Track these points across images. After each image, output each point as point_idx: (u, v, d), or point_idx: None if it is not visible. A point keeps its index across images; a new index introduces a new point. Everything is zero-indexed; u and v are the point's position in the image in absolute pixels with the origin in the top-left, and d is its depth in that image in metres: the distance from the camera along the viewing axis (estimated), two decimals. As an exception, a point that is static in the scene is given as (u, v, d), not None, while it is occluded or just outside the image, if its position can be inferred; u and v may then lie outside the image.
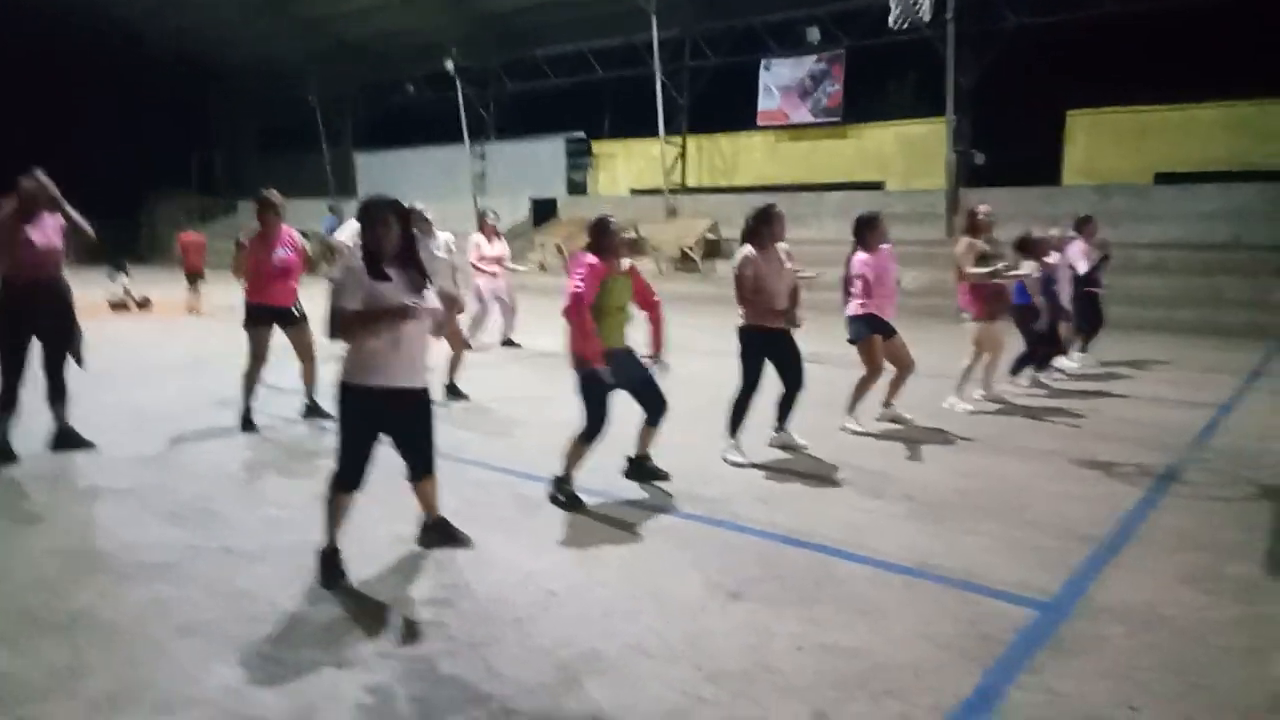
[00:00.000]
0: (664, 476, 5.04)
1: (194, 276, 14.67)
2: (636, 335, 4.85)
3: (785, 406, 5.77)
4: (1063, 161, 18.09)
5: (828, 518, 4.46)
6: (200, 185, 32.86)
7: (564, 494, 4.65)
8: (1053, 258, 8.10)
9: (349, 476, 3.59)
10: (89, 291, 16.69)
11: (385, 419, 3.60)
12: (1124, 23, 16.48)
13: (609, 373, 4.48)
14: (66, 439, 5.49)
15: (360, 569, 3.68)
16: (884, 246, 6.27)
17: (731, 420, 5.55)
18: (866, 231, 6.24)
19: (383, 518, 4.21)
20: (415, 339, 3.57)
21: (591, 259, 4.55)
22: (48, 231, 5.21)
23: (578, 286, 4.46)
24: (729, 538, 4.19)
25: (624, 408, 4.83)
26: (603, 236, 4.62)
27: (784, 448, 5.78)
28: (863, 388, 6.36)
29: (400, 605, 3.39)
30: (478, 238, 10.20)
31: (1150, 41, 16.96)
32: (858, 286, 6.18)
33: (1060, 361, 8.89)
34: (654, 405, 4.88)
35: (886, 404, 6.60)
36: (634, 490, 4.89)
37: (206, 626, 3.15)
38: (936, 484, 5.08)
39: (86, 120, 28.38)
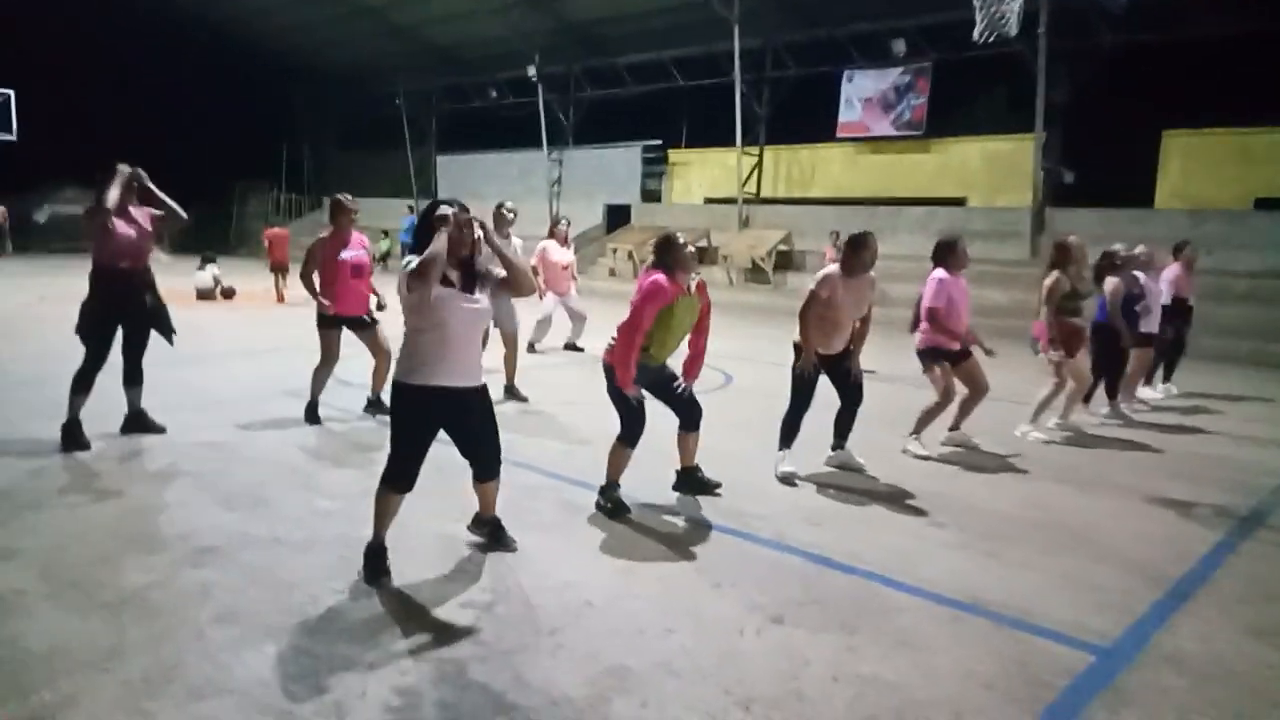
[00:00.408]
0: (715, 487, 4.96)
1: (279, 268, 15.61)
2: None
3: (843, 424, 5.63)
4: (1156, 183, 17.32)
5: (877, 542, 4.33)
6: (287, 180, 34.02)
7: (610, 500, 4.62)
8: (1141, 277, 7.77)
9: (399, 476, 3.61)
10: (179, 281, 17.47)
11: (440, 419, 3.61)
12: (1224, 43, 15.71)
13: (638, 395, 4.48)
14: (139, 422, 5.69)
15: (402, 566, 3.71)
16: (961, 273, 6.08)
17: (783, 436, 5.44)
18: (948, 254, 6.05)
19: (431, 514, 4.25)
20: (468, 338, 3.58)
21: (661, 278, 4.44)
22: (136, 223, 5.42)
23: (638, 311, 4.39)
24: (773, 557, 4.09)
25: (669, 419, 4.79)
26: (669, 252, 4.50)
27: (842, 467, 5.64)
28: (932, 413, 6.15)
29: (438, 606, 3.40)
30: (548, 243, 10.24)
31: (1252, 62, 16.12)
32: (927, 316, 5.98)
33: (1143, 392, 8.51)
34: (686, 410, 4.80)
35: (954, 427, 6.39)
36: (681, 503, 4.83)
37: (246, 615, 3.22)
38: (995, 514, 4.88)
39: (179, 114, 29.69)
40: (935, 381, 6.12)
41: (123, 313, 5.42)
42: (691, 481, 4.98)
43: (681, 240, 4.54)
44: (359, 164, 33.48)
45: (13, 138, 23.41)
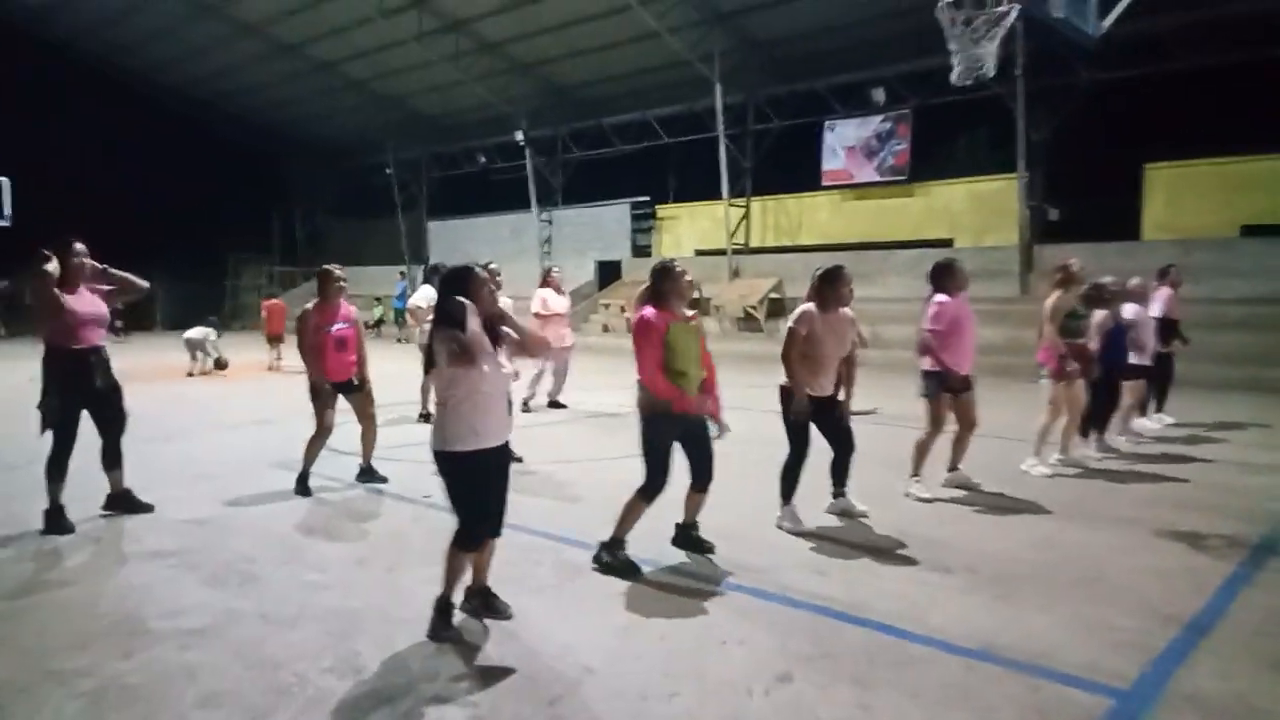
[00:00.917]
0: (709, 549, 4.76)
1: (275, 339, 16.19)
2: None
3: (839, 471, 5.52)
4: (1142, 216, 17.48)
5: (885, 591, 4.21)
6: (280, 251, 34.27)
7: (617, 560, 4.44)
8: (1130, 310, 7.76)
9: (471, 539, 3.66)
10: (166, 356, 17.43)
11: (489, 474, 3.67)
12: (1200, 75, 16.01)
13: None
14: (125, 502, 5.56)
15: (394, 635, 3.60)
16: (963, 294, 6.03)
17: (783, 487, 5.34)
18: (945, 276, 6.01)
19: (423, 580, 4.13)
20: (499, 397, 3.65)
21: (648, 313, 4.35)
22: (88, 301, 5.26)
23: (639, 353, 4.33)
24: (778, 611, 3.97)
25: (679, 470, 4.70)
26: (664, 280, 4.41)
27: (843, 514, 5.52)
28: (924, 447, 6.09)
29: (430, 680, 3.27)
30: (544, 292, 10.21)
31: (1229, 93, 16.44)
32: (931, 340, 5.91)
33: (1139, 423, 8.45)
34: (701, 470, 4.62)
35: (952, 468, 6.30)
36: (680, 557, 4.70)
37: (230, 697, 3.09)
38: (1003, 555, 4.77)
39: (172, 190, 30.03)
40: (928, 409, 6.05)
41: (81, 394, 5.20)
42: (688, 539, 4.82)
43: (678, 269, 4.45)
44: (351, 232, 33.81)
45: (7, 223, 23.60)
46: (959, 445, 6.26)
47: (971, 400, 6.10)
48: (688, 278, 4.48)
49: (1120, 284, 7.57)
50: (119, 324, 22.71)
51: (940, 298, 5.97)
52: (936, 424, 6.05)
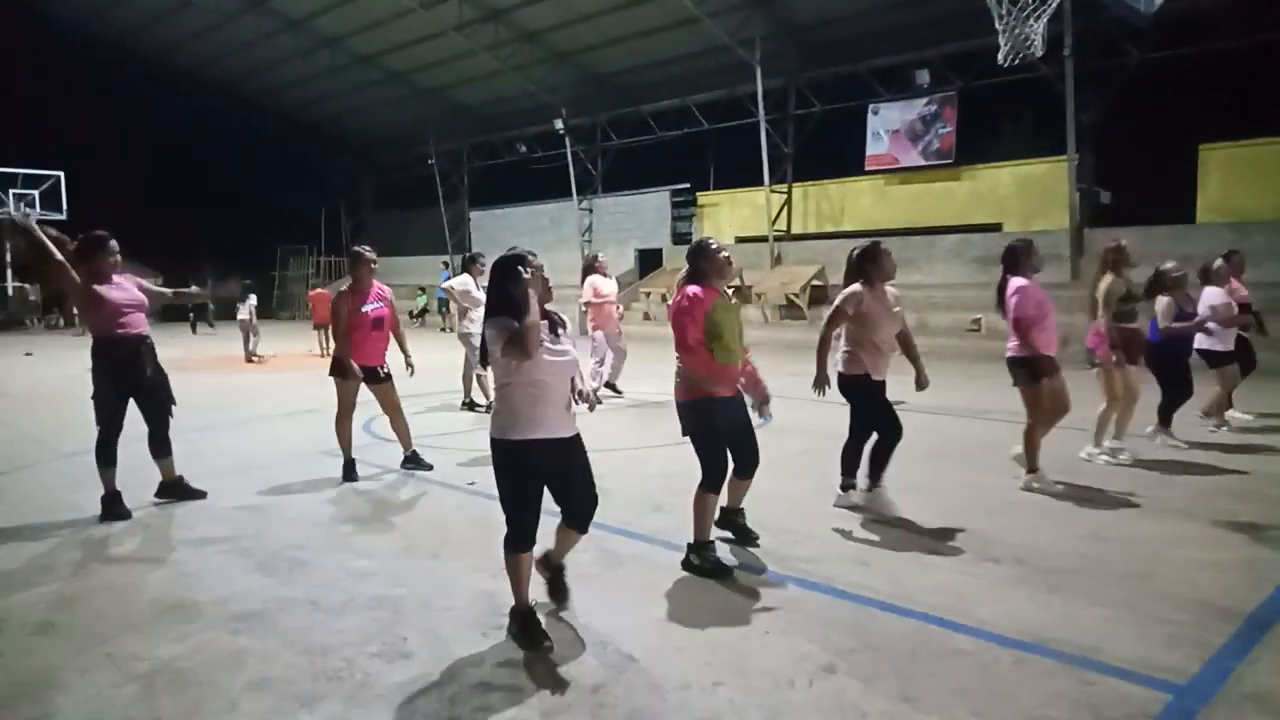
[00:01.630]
0: (753, 539, 4.72)
1: (321, 325, 16.85)
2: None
3: (880, 459, 5.37)
4: (1196, 198, 16.95)
5: (930, 582, 4.14)
6: (325, 242, 34.83)
7: (708, 560, 4.30)
8: (1212, 295, 7.62)
9: (520, 538, 3.50)
10: (219, 346, 17.77)
11: (542, 471, 3.51)
12: (1254, 52, 15.45)
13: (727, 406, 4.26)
14: (177, 490, 5.69)
15: (438, 625, 3.63)
16: (1036, 276, 5.86)
17: (845, 465, 5.28)
18: (1022, 258, 5.83)
19: (467, 570, 4.19)
20: (560, 388, 3.51)
21: (693, 289, 4.26)
22: (126, 288, 5.39)
23: (678, 326, 4.25)
24: (822, 601, 3.93)
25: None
26: (702, 258, 4.31)
27: (874, 507, 5.33)
28: (1033, 437, 5.85)
29: (476, 666, 3.30)
30: (594, 279, 10.22)
31: (1285, 69, 15.85)
32: (1016, 328, 5.72)
33: (1232, 414, 8.20)
34: (747, 457, 4.53)
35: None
36: (722, 548, 4.66)
37: (279, 683, 3.15)
38: (1054, 546, 4.66)
39: (221, 185, 30.71)
40: (1025, 397, 5.83)
41: (130, 383, 5.32)
42: (732, 524, 4.76)
43: (715, 245, 4.36)
44: (394, 223, 34.20)
45: (64, 217, 24.31)
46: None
47: (1063, 382, 5.84)
48: (725, 254, 4.36)
49: (1180, 269, 7.28)
50: (209, 318, 23.57)
51: (1018, 281, 5.78)
52: (1037, 410, 5.80)
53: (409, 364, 6.56)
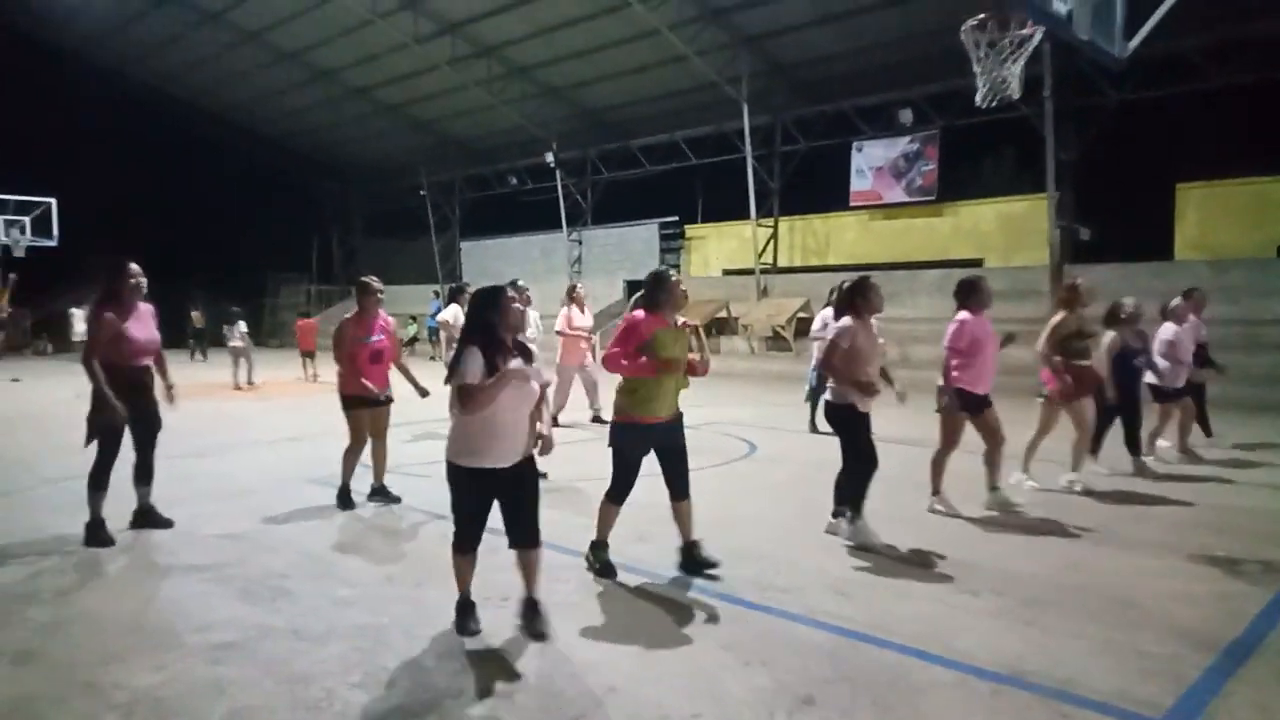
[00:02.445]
0: (712, 565, 4.72)
1: (307, 353, 17.22)
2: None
3: (858, 492, 5.37)
4: (1174, 235, 17.27)
5: (909, 613, 4.18)
6: (317, 270, 34.84)
7: (599, 560, 4.71)
8: (1167, 331, 7.80)
9: (463, 540, 3.88)
10: (207, 372, 17.74)
11: (490, 494, 3.83)
12: (1229, 94, 15.86)
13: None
14: (148, 518, 5.65)
15: (421, 652, 3.64)
16: (986, 313, 6.04)
17: (853, 500, 5.28)
18: (971, 294, 6.02)
19: (447, 600, 4.16)
20: (516, 421, 3.79)
21: (638, 314, 4.59)
22: (145, 322, 5.46)
23: (611, 345, 4.60)
24: (801, 632, 3.96)
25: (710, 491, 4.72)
26: (662, 290, 4.62)
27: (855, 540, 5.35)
28: (939, 462, 6.09)
29: (455, 697, 3.30)
30: (571, 310, 10.27)
31: (1262, 112, 16.25)
32: (952, 356, 5.93)
33: (1161, 444, 8.32)
34: (677, 481, 4.70)
35: (992, 488, 6.23)
36: (703, 576, 4.70)
37: (259, 712, 3.15)
38: (1031, 578, 4.71)
39: (213, 213, 30.78)
40: (942, 425, 6.04)
41: (134, 409, 5.34)
42: (692, 559, 4.76)
43: (674, 278, 4.69)
44: (386, 252, 34.28)
45: (54, 244, 24.26)
46: (992, 463, 6.20)
47: (994, 416, 6.05)
48: (682, 288, 4.70)
49: (1138, 306, 7.44)
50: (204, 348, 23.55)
51: (963, 315, 5.97)
52: (948, 441, 6.04)
53: (420, 390, 6.56)
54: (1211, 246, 16.41)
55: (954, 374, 5.94)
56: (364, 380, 6.17)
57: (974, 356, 5.89)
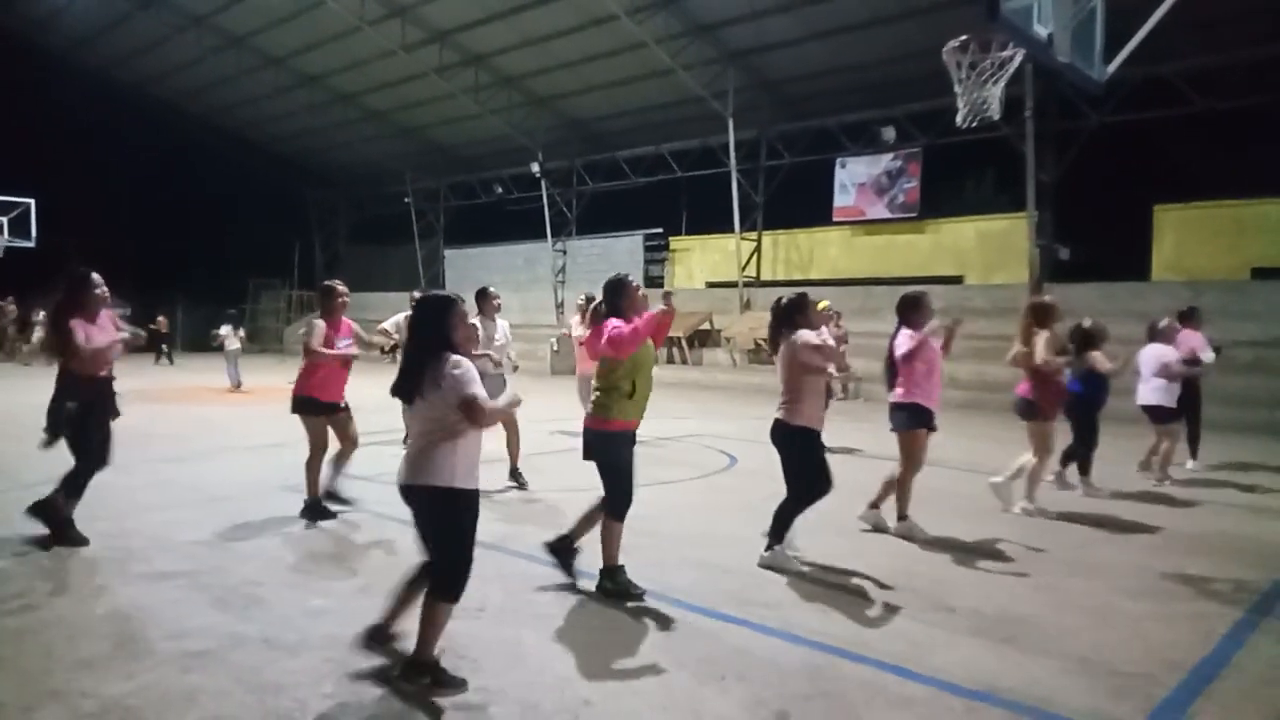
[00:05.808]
0: (639, 594, 4.49)
1: None
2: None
3: (787, 520, 5.19)
4: (1151, 256, 17.52)
5: (887, 629, 4.20)
6: (299, 276, 34.64)
7: (618, 584, 4.51)
8: (1153, 351, 7.94)
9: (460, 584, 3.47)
10: (188, 377, 17.55)
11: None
12: (1209, 118, 16.13)
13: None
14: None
15: (391, 665, 3.61)
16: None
17: (781, 525, 5.16)
18: (911, 311, 5.99)
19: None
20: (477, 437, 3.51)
21: (616, 323, 4.44)
22: (107, 328, 5.39)
23: (616, 329, 4.39)
24: (778, 647, 3.96)
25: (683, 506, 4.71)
26: (623, 296, 4.54)
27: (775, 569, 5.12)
28: (904, 483, 5.94)
29: (429, 708, 3.28)
30: (577, 319, 10.24)
31: (1239, 136, 16.55)
32: (905, 373, 5.88)
33: (1188, 464, 8.64)
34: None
35: (874, 505, 6.08)
36: (683, 590, 4.69)
37: (229, 722, 3.12)
38: (1007, 597, 4.75)
39: (195, 216, 30.56)
40: (902, 443, 5.92)
41: (102, 417, 5.32)
42: (616, 582, 4.55)
43: (634, 283, 4.62)
44: (369, 258, 34.15)
45: (32, 244, 24.01)
46: (903, 487, 5.99)
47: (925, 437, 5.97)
48: (641, 293, 4.63)
49: (1102, 325, 7.46)
50: (165, 349, 23.10)
51: (908, 331, 5.94)
52: (914, 461, 5.90)
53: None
54: (1188, 268, 16.66)
55: (908, 388, 5.87)
56: (316, 394, 6.09)
57: (926, 373, 5.86)
